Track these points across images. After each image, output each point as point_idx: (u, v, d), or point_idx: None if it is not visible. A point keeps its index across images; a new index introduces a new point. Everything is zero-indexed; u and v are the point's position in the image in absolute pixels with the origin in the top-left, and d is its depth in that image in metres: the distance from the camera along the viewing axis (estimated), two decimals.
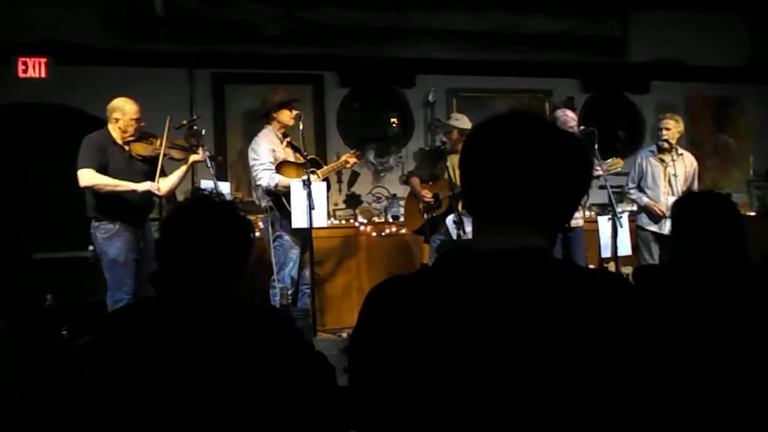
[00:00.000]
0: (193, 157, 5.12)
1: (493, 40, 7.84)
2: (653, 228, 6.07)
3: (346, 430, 1.79)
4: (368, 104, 7.98)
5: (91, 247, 5.14)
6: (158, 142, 5.00)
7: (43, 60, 6.66)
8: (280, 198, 5.37)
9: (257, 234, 5.30)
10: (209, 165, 5.06)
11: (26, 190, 6.56)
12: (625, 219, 5.43)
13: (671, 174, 6.04)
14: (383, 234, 6.76)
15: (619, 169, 5.79)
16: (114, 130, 4.93)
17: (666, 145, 6.07)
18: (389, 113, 8.04)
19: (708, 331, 2.08)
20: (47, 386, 2.54)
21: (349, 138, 7.62)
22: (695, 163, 6.24)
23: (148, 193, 4.92)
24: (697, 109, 8.54)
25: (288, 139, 5.64)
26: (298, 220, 5.17)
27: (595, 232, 5.56)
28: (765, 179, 8.13)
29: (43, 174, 6.48)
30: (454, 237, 5.33)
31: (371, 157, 7.64)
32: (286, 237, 5.46)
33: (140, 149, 5.00)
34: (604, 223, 5.46)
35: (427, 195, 5.90)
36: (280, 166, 5.46)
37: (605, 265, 5.67)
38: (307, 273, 5.55)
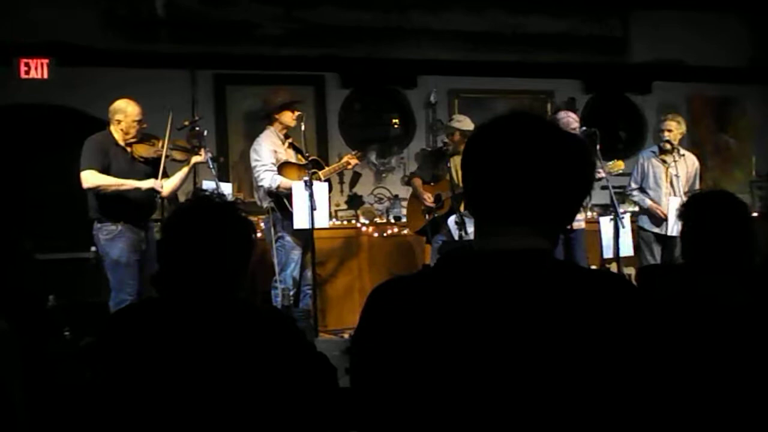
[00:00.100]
0: (194, 158, 5.12)
1: (494, 40, 7.84)
2: (655, 229, 6.07)
3: (348, 431, 1.80)
4: (369, 105, 7.97)
5: (93, 248, 5.14)
6: (160, 144, 5.01)
7: (44, 61, 6.67)
8: (281, 199, 5.37)
9: (259, 235, 5.30)
10: (211, 166, 5.06)
11: (28, 191, 6.57)
12: (626, 220, 5.42)
13: (673, 175, 6.02)
14: (385, 235, 6.76)
15: (621, 170, 5.78)
16: (116, 132, 4.94)
17: (668, 146, 6.05)
18: (390, 114, 8.04)
19: (712, 330, 2.08)
20: (49, 386, 2.55)
21: (350, 139, 7.62)
22: (697, 164, 6.24)
23: (152, 191, 4.92)
24: (699, 109, 8.54)
25: (290, 141, 5.64)
26: (300, 221, 5.17)
27: (597, 232, 5.56)
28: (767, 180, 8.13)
29: (44, 175, 6.49)
30: (456, 238, 5.33)
31: (373, 157, 7.63)
32: (288, 238, 5.46)
33: (142, 151, 5.00)
34: (605, 224, 5.46)
35: (429, 198, 5.92)
36: (282, 168, 5.46)
37: (607, 265, 5.66)
38: (308, 274, 5.56)
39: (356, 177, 7.43)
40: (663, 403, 1.19)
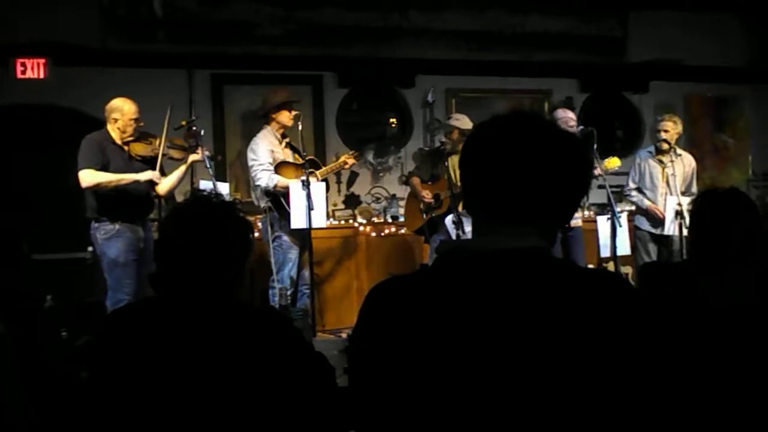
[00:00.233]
0: (192, 157, 5.12)
1: (492, 40, 7.84)
2: (652, 229, 6.07)
3: (346, 431, 1.79)
4: (367, 105, 7.97)
5: (90, 248, 5.14)
6: (157, 142, 5.01)
7: (41, 61, 6.66)
8: (278, 198, 5.37)
9: (256, 234, 5.30)
10: (208, 165, 5.06)
11: (25, 191, 6.56)
12: (624, 219, 5.43)
13: (669, 174, 6.03)
14: (382, 234, 6.76)
15: (617, 168, 5.79)
16: (113, 131, 4.93)
17: (665, 146, 6.06)
18: (388, 113, 8.04)
19: (715, 329, 2.08)
20: (46, 387, 2.54)
21: (348, 138, 7.62)
22: (694, 163, 6.24)
23: (150, 183, 4.92)
24: (696, 108, 8.55)
25: (287, 140, 5.64)
26: (297, 221, 5.17)
27: (594, 231, 5.56)
28: (764, 179, 8.14)
29: (41, 175, 6.48)
30: (453, 237, 5.33)
31: (370, 157, 7.63)
32: (285, 237, 5.45)
33: (139, 149, 5.00)
34: (603, 223, 5.45)
35: (428, 195, 5.91)
36: (279, 167, 5.45)
37: (604, 264, 5.67)
38: (306, 273, 5.55)
39: (353, 176, 7.43)
40: (662, 402, 1.19)
